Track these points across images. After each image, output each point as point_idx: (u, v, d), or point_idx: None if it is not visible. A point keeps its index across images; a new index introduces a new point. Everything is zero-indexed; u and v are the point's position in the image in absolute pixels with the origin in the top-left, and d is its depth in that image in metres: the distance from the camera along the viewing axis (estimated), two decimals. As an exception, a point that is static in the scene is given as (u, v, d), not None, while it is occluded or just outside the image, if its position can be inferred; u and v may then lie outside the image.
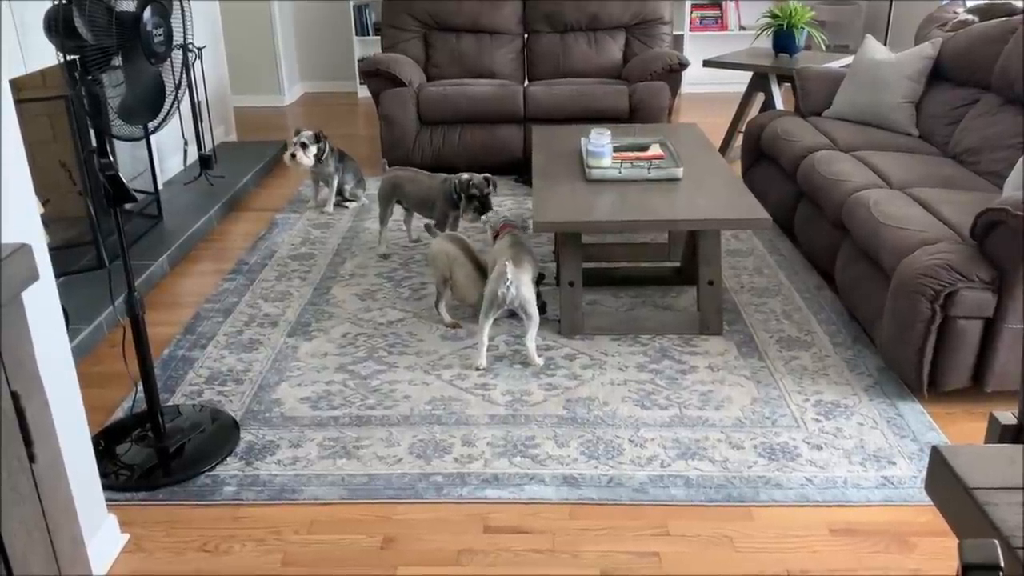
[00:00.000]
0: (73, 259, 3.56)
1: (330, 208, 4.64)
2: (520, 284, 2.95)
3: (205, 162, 4.87)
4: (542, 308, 3.15)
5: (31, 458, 1.27)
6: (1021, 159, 2.85)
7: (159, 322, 3.36)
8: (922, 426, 2.64)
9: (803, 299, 3.50)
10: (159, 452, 2.54)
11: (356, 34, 7.35)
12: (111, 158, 2.27)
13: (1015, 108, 3.50)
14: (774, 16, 5.23)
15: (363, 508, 2.32)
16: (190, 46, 2.35)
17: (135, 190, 3.76)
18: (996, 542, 0.85)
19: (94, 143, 2.26)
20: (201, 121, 4.89)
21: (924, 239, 2.79)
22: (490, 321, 2.99)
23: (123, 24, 2.09)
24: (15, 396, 1.23)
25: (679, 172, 3.38)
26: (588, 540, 2.20)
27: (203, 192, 4.68)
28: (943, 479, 1.04)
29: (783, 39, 5.21)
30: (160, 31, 2.17)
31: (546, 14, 5.48)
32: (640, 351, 3.11)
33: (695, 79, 7.12)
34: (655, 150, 3.64)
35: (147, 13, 2.11)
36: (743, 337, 3.20)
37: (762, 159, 4.46)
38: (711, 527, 2.24)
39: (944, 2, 5.22)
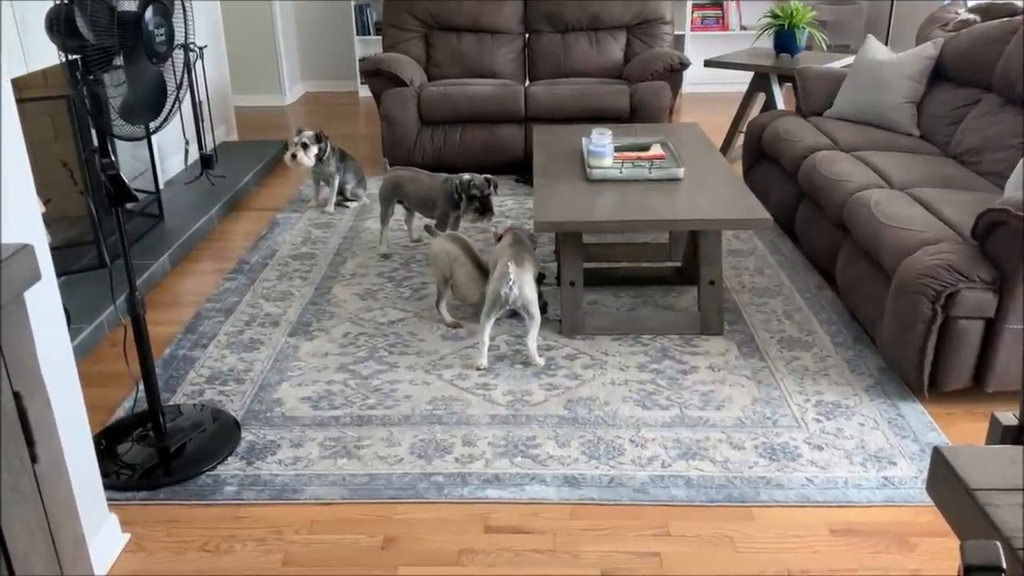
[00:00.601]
0: (74, 258, 3.56)
1: (331, 208, 4.64)
2: (522, 284, 2.95)
3: (206, 162, 4.86)
4: (543, 308, 3.15)
5: (33, 458, 1.27)
6: (1022, 159, 2.85)
7: (160, 321, 3.37)
8: (923, 426, 2.64)
9: (804, 299, 3.50)
10: (160, 452, 2.54)
11: (357, 34, 7.36)
12: (112, 158, 2.27)
13: (1016, 108, 3.50)
14: (775, 16, 5.23)
15: (364, 508, 2.32)
16: (191, 46, 2.35)
17: (136, 189, 3.77)
18: (998, 543, 0.85)
19: (95, 143, 2.27)
20: (202, 121, 4.88)
21: (925, 239, 2.79)
22: (491, 321, 2.99)
23: (125, 24, 2.09)
24: (17, 396, 1.23)
25: (680, 172, 3.38)
26: (589, 540, 2.20)
27: (204, 191, 4.69)
28: (944, 480, 1.04)
29: (784, 39, 5.21)
30: (161, 31, 2.17)
31: (547, 14, 5.48)
32: (641, 351, 3.11)
33: (696, 79, 7.11)
34: (656, 150, 3.64)
35: (148, 13, 2.11)
36: (744, 337, 3.20)
37: (763, 159, 4.46)
38: (712, 527, 2.24)
39: (945, 2, 5.22)
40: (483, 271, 3.28)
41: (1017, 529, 0.91)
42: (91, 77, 2.10)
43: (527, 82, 5.50)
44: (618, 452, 2.53)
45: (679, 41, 7.03)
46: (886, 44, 5.43)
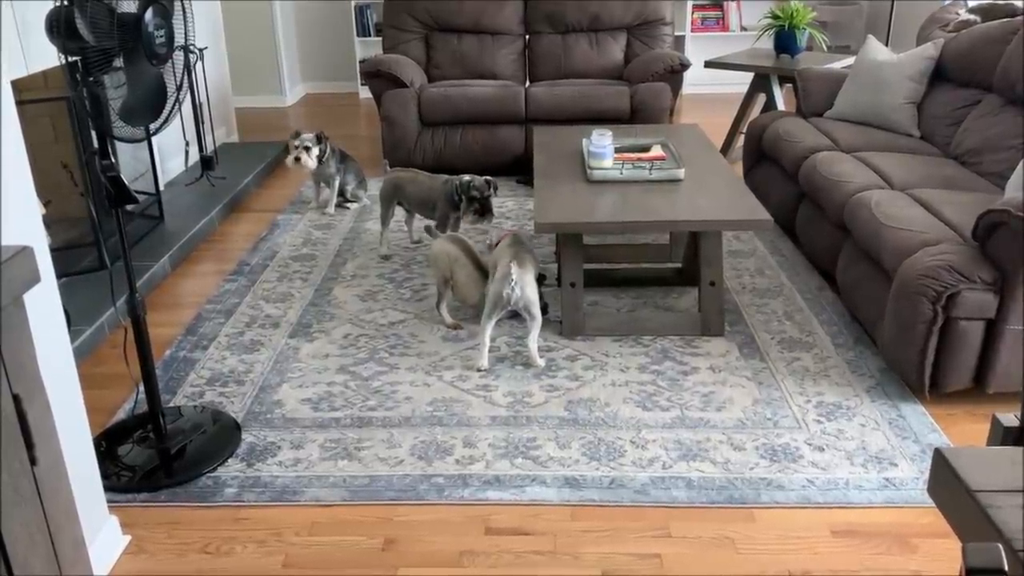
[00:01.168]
0: (75, 260, 3.56)
1: (331, 209, 4.64)
2: (524, 285, 2.95)
3: (207, 163, 4.87)
4: (544, 309, 3.15)
5: (32, 460, 1.27)
6: (1022, 160, 2.85)
7: (160, 323, 3.36)
8: (924, 427, 2.64)
9: (804, 300, 3.49)
10: (160, 453, 2.54)
11: (357, 35, 7.36)
12: (112, 159, 2.27)
13: (1017, 109, 3.50)
14: (775, 17, 5.23)
15: (364, 509, 2.32)
16: (191, 47, 2.35)
17: (137, 191, 3.76)
18: (999, 546, 0.85)
19: (96, 144, 2.26)
20: (203, 122, 4.89)
21: (926, 240, 2.79)
22: (492, 322, 2.99)
23: (124, 25, 2.09)
24: (16, 399, 1.23)
25: (680, 173, 3.38)
26: (589, 541, 2.19)
27: (204, 193, 4.69)
28: (945, 481, 1.04)
29: (784, 40, 5.21)
30: (161, 32, 2.17)
31: (547, 15, 5.48)
32: (641, 352, 3.11)
33: (696, 80, 7.11)
34: (656, 151, 3.63)
35: (148, 14, 2.11)
36: (744, 338, 3.20)
37: (763, 160, 4.46)
38: (713, 528, 2.23)
39: (946, 2, 5.22)
40: (483, 272, 3.28)
41: (1018, 531, 0.91)
42: (91, 79, 2.10)
43: (527, 83, 5.50)
44: (619, 453, 2.53)
45: (679, 42, 7.02)
46: (886, 45, 5.44)
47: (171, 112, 2.30)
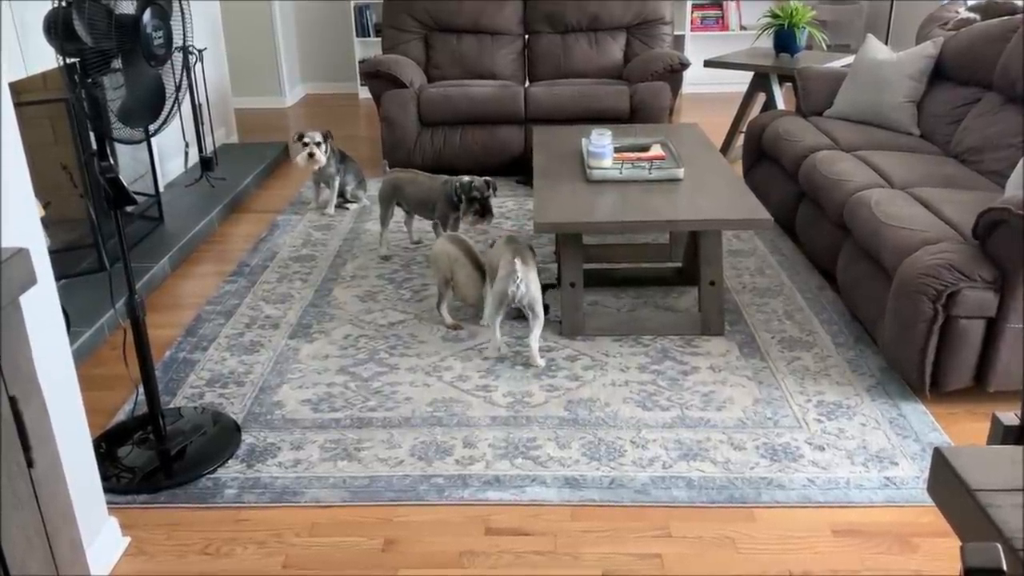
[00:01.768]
0: (74, 261, 3.56)
1: (331, 210, 4.64)
2: (529, 282, 2.95)
3: (206, 164, 4.87)
4: (546, 309, 3.15)
5: (29, 463, 1.26)
6: (1022, 158, 2.85)
7: (160, 324, 3.36)
8: (924, 426, 2.63)
9: (805, 299, 3.49)
10: (160, 455, 2.54)
11: (357, 35, 7.36)
12: (111, 161, 2.27)
13: (1017, 107, 3.49)
14: (775, 16, 5.22)
15: (364, 510, 2.32)
16: (190, 48, 2.35)
17: (136, 192, 3.77)
18: (998, 545, 0.84)
19: (95, 146, 2.26)
20: (202, 123, 4.89)
21: (926, 239, 2.78)
22: (500, 317, 3.00)
23: (123, 27, 2.08)
24: (13, 400, 1.23)
25: (680, 172, 3.38)
26: (590, 542, 2.19)
27: (204, 194, 4.69)
28: (945, 480, 1.03)
29: (784, 39, 5.20)
30: (160, 33, 2.17)
31: (547, 14, 5.48)
32: (641, 352, 3.10)
33: (696, 79, 7.11)
34: (656, 150, 3.63)
35: (147, 15, 2.11)
36: (745, 338, 3.20)
37: (763, 159, 4.46)
38: (713, 528, 2.23)
39: (945, 1, 5.21)
40: (484, 272, 3.28)
41: (1018, 530, 0.91)
42: (90, 80, 2.10)
43: (527, 83, 5.50)
44: (619, 453, 2.52)
45: (679, 41, 7.02)
46: (886, 43, 5.43)
47: (170, 113, 2.30)
